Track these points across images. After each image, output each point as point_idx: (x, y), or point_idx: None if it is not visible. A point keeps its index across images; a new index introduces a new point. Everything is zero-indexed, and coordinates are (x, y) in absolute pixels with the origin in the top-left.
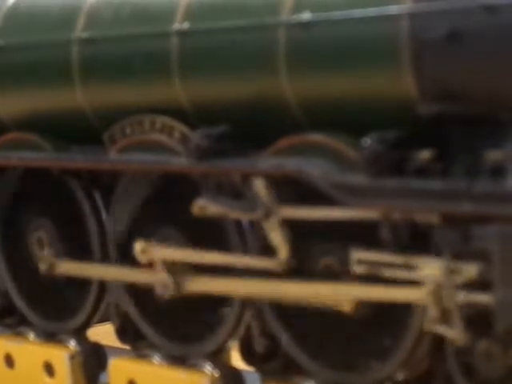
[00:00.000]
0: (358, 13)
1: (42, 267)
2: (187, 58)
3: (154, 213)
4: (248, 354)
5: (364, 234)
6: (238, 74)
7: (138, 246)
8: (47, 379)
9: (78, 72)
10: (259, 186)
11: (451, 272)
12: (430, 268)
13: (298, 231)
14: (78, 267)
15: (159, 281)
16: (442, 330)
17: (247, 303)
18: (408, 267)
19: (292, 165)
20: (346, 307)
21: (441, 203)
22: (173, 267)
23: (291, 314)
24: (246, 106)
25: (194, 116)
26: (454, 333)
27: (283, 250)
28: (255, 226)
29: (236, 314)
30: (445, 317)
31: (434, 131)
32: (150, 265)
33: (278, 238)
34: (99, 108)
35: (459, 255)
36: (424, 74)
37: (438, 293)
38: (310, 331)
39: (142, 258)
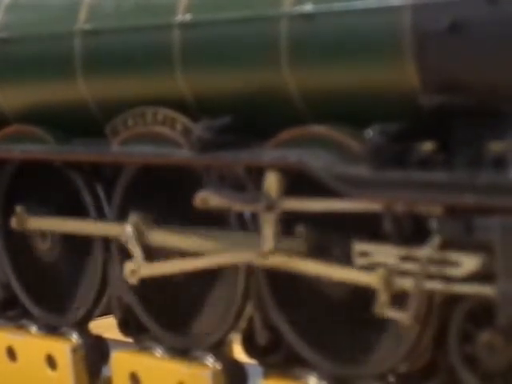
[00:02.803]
0: (361, 4)
1: (13, 224)
2: (189, 49)
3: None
4: (250, 347)
5: (366, 226)
6: (240, 66)
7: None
8: (49, 372)
9: (80, 64)
10: (272, 178)
11: (403, 258)
12: (382, 254)
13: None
14: (49, 222)
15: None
16: (391, 313)
17: (249, 295)
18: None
19: (294, 156)
20: None
21: (443, 195)
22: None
23: (293, 307)
24: (248, 97)
25: (196, 108)
26: (403, 316)
27: (269, 242)
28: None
29: (238, 307)
30: (397, 301)
31: (436, 123)
32: None
33: (269, 229)
34: (101, 100)
35: (462, 246)
36: (426, 65)
37: (387, 278)
38: (312, 323)
39: None
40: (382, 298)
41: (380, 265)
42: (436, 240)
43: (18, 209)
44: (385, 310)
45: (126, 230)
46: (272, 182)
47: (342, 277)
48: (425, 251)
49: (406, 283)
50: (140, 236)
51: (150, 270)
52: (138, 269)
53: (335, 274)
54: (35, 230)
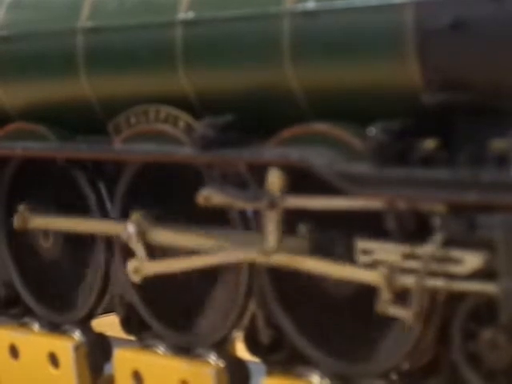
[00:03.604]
0: (363, 2)
1: (16, 223)
2: (192, 47)
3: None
4: (253, 345)
5: (369, 224)
6: (242, 64)
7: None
8: (52, 370)
9: (82, 62)
10: (274, 176)
11: (406, 256)
12: (384, 251)
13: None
14: (51, 221)
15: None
16: (394, 311)
17: (252, 293)
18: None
19: (297, 154)
20: None
21: (446, 192)
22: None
23: (296, 304)
24: (250, 95)
25: (198, 106)
26: (406, 314)
27: (273, 240)
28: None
29: (240, 305)
30: (399, 299)
31: (438, 120)
32: None
33: (273, 227)
34: (104, 98)
35: (464, 244)
36: (429, 63)
37: (390, 275)
38: (315, 321)
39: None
40: (385, 295)
41: (382, 262)
42: (438, 238)
43: (21, 208)
44: (387, 307)
45: (127, 229)
46: (274, 179)
47: (345, 275)
48: (427, 249)
49: (409, 281)
50: (142, 234)
51: (153, 268)
52: (141, 267)
53: (338, 272)
54: (37, 228)
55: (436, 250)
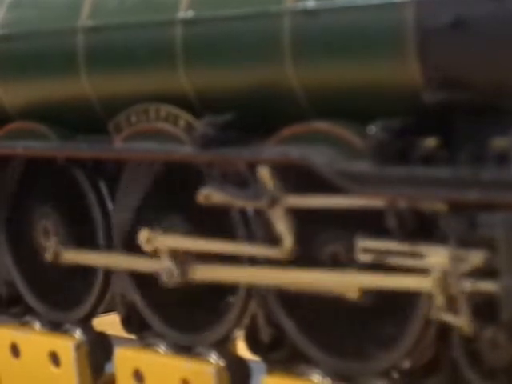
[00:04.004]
0: (363, 0)
1: (48, 256)
2: (192, 46)
3: (159, 202)
4: (254, 344)
5: (369, 223)
6: (242, 63)
7: (143, 235)
8: (53, 369)
9: (83, 61)
10: (264, 174)
11: (457, 260)
12: (436, 256)
13: (303, 219)
14: (83, 256)
15: (164, 269)
16: (448, 318)
17: (252, 292)
18: (414, 255)
19: (297, 153)
20: (353, 295)
21: (447, 191)
22: (178, 255)
23: (297, 303)
24: (251, 94)
25: (198, 105)
26: (461, 321)
27: (288, 239)
28: (260, 214)
29: (241, 304)
30: (451, 305)
31: (439, 119)
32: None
33: (282, 226)
34: (104, 97)
35: (465, 243)
36: (429, 61)
37: (444, 281)
38: (315, 320)
39: (146, 247)
40: (438, 301)
41: (433, 267)
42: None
43: (53, 241)
44: (441, 314)
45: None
46: (265, 177)
47: (394, 284)
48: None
49: (461, 286)
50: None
51: (166, 241)
52: (153, 238)
53: (387, 283)
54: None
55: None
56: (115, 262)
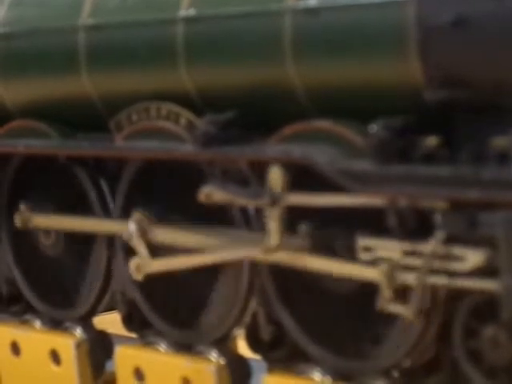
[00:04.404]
0: None
1: (17, 222)
2: (193, 44)
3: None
4: (254, 342)
5: (370, 221)
6: (244, 61)
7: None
8: (53, 367)
9: (84, 59)
10: (275, 173)
11: (406, 253)
12: (385, 249)
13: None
14: (53, 220)
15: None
16: (395, 308)
17: (253, 290)
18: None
19: (298, 151)
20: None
21: (447, 190)
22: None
23: (297, 302)
24: (252, 92)
25: (200, 103)
26: (407, 311)
27: (275, 237)
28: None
29: (242, 302)
30: (400, 296)
31: (440, 117)
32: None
33: (275, 224)
34: (105, 95)
35: (466, 241)
36: (431, 60)
37: (390, 273)
38: (316, 319)
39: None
40: (385, 293)
41: (383, 260)
42: (440, 235)
43: (22, 207)
44: (388, 304)
45: (129, 228)
46: (275, 176)
47: (346, 272)
48: (428, 246)
49: (410, 278)
50: (143, 233)
51: (155, 266)
52: (143, 265)
53: (339, 270)
54: (39, 228)
55: (437, 247)
56: (82, 224)
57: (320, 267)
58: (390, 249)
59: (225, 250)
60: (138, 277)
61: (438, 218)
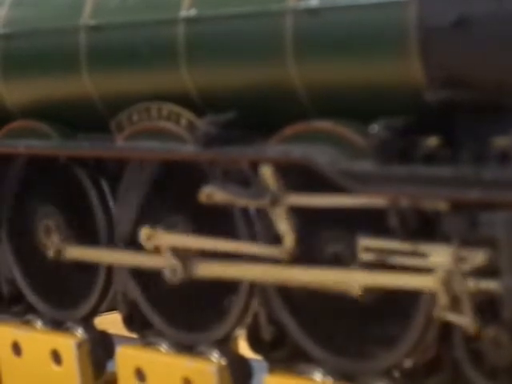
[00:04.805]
0: None
1: (50, 253)
2: (194, 44)
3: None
4: (255, 342)
5: (371, 222)
6: (245, 61)
7: (144, 233)
8: (54, 367)
9: (85, 59)
10: (266, 173)
11: (460, 259)
12: (439, 255)
13: (305, 218)
14: (85, 252)
15: (168, 265)
16: (452, 317)
17: (254, 291)
18: (416, 254)
19: (299, 152)
20: (355, 293)
21: (449, 190)
22: (180, 253)
23: (299, 302)
24: (253, 93)
25: (201, 103)
26: (465, 320)
27: (289, 238)
28: (262, 213)
29: (243, 302)
30: (455, 304)
31: (441, 118)
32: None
33: (284, 225)
34: (106, 95)
35: (467, 242)
36: (432, 60)
37: (447, 280)
38: (317, 319)
39: (147, 245)
40: (442, 301)
41: (438, 267)
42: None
43: (55, 238)
44: (445, 313)
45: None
46: (267, 176)
47: (399, 283)
48: (429, 246)
49: (463, 285)
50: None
51: (166, 239)
52: (154, 235)
53: (392, 281)
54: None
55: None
56: (117, 258)
57: (367, 282)
58: (443, 255)
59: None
60: (148, 246)
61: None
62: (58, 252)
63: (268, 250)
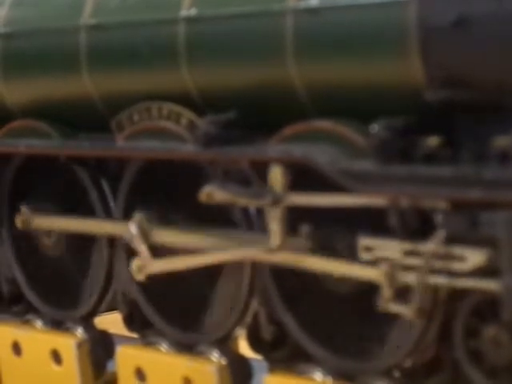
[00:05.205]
0: None
1: (18, 223)
2: (194, 44)
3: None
4: (255, 342)
5: (371, 221)
6: (245, 61)
7: None
8: (55, 367)
9: (85, 59)
10: (276, 173)
11: (407, 253)
12: (386, 248)
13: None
14: (54, 221)
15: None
16: (395, 308)
17: (254, 290)
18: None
19: (300, 151)
20: None
21: (448, 189)
22: None
23: (299, 302)
24: (253, 92)
25: (201, 103)
26: (408, 311)
27: (276, 238)
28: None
29: (243, 302)
30: (400, 296)
31: (441, 118)
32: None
33: (276, 225)
34: (107, 95)
35: (467, 241)
36: (432, 60)
37: (391, 273)
38: (317, 319)
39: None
40: (386, 292)
41: (385, 259)
42: (440, 235)
43: (23, 208)
44: (388, 304)
45: (130, 229)
46: (276, 176)
47: (346, 272)
48: (429, 246)
49: (410, 278)
50: (145, 235)
51: (156, 266)
52: (144, 265)
53: (339, 270)
54: (40, 229)
55: (438, 247)
56: (83, 225)
57: (321, 267)
58: (390, 249)
59: (226, 251)
60: (140, 277)
61: (439, 218)
62: (26, 222)
63: (252, 248)
